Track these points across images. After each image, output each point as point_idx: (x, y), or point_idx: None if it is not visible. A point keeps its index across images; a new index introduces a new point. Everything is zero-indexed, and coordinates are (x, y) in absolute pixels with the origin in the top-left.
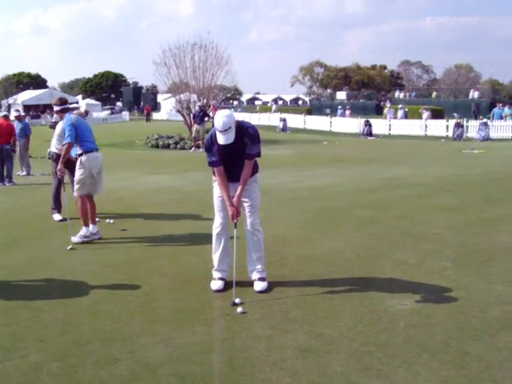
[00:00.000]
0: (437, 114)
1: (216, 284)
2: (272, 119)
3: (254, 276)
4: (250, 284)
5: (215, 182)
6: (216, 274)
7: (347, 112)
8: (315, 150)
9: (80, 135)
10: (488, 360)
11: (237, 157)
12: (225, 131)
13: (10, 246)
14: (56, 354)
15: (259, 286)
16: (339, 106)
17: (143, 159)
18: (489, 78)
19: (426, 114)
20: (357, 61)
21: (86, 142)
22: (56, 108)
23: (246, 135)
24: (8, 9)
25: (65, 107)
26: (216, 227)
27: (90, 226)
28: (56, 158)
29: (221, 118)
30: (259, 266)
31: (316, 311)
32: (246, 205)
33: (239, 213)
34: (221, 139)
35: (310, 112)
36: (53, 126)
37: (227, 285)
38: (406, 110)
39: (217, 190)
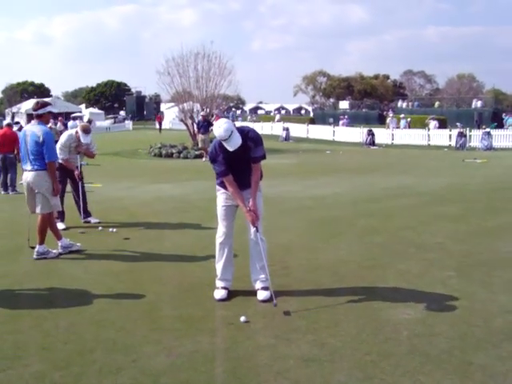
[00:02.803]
0: (440, 124)
1: (219, 293)
2: (275, 128)
3: (258, 285)
4: (254, 293)
5: (219, 190)
6: (219, 284)
7: (343, 122)
8: (318, 159)
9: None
10: (492, 370)
11: (243, 163)
12: (229, 137)
13: (13, 254)
14: (59, 362)
15: (262, 295)
16: (346, 116)
17: (146, 168)
18: (492, 88)
19: (432, 124)
20: (360, 70)
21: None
22: (34, 113)
23: (248, 139)
24: (11, 18)
25: (38, 113)
26: (219, 236)
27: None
28: (59, 167)
29: (219, 127)
30: (262, 276)
31: (319, 320)
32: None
33: (258, 217)
34: (229, 146)
35: (312, 121)
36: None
37: (231, 294)
38: (409, 119)
39: (220, 199)
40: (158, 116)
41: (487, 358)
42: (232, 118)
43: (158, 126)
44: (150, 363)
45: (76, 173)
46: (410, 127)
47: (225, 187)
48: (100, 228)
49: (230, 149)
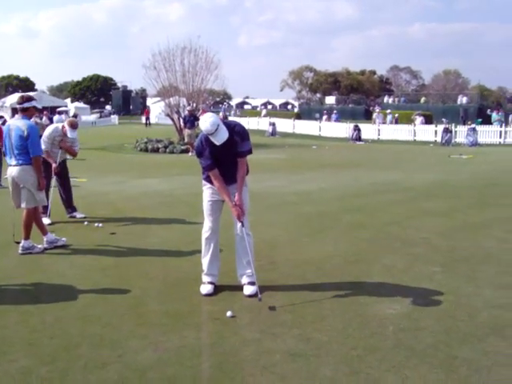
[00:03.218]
0: (425, 120)
1: (206, 288)
2: (261, 123)
3: (244, 280)
4: (240, 288)
5: (205, 185)
6: (206, 278)
7: (325, 117)
8: (304, 154)
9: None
10: (477, 364)
11: (229, 157)
12: (216, 131)
13: None
14: (45, 357)
15: (249, 290)
16: (334, 111)
17: (132, 163)
18: (477, 84)
19: (419, 120)
20: (346, 66)
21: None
22: (18, 107)
23: (235, 133)
24: None
25: (23, 107)
26: (205, 231)
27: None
28: (44, 161)
29: (205, 122)
30: (249, 271)
31: (305, 315)
32: (242, 218)
33: (243, 211)
34: (216, 140)
35: (299, 116)
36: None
37: (217, 289)
38: (397, 115)
39: (206, 194)
40: (145, 110)
41: (472, 352)
42: (224, 112)
43: (144, 121)
44: (136, 358)
45: (54, 166)
46: (397, 123)
47: (211, 182)
48: (86, 223)
49: (217, 143)
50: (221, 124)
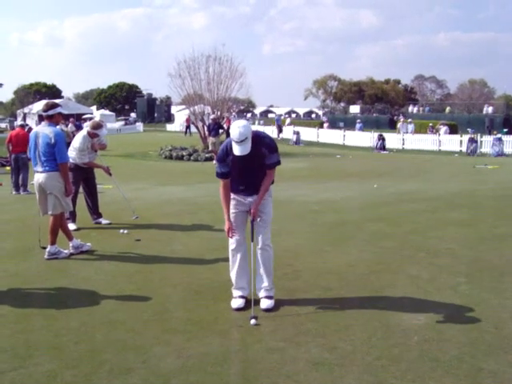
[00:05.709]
0: (450, 129)
1: (236, 302)
2: (285, 132)
3: (261, 294)
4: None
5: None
6: (236, 293)
7: (326, 125)
8: (328, 163)
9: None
10: (502, 376)
11: (253, 168)
12: (241, 142)
13: (24, 254)
14: (70, 362)
15: (266, 303)
16: (358, 120)
17: (157, 170)
18: (503, 94)
19: (443, 130)
20: (370, 75)
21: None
22: (44, 114)
23: (264, 145)
24: (23, 20)
25: (49, 114)
26: (231, 243)
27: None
28: (74, 168)
29: (237, 128)
30: (267, 284)
31: (329, 324)
32: (258, 219)
33: (255, 215)
34: (237, 150)
35: (323, 125)
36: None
37: (248, 302)
38: (431, 124)
39: (230, 206)
40: (187, 119)
41: (498, 364)
42: (278, 123)
43: (184, 129)
44: (160, 364)
45: (105, 167)
46: (434, 132)
47: (234, 192)
48: (125, 231)
49: (236, 152)
50: (249, 138)
